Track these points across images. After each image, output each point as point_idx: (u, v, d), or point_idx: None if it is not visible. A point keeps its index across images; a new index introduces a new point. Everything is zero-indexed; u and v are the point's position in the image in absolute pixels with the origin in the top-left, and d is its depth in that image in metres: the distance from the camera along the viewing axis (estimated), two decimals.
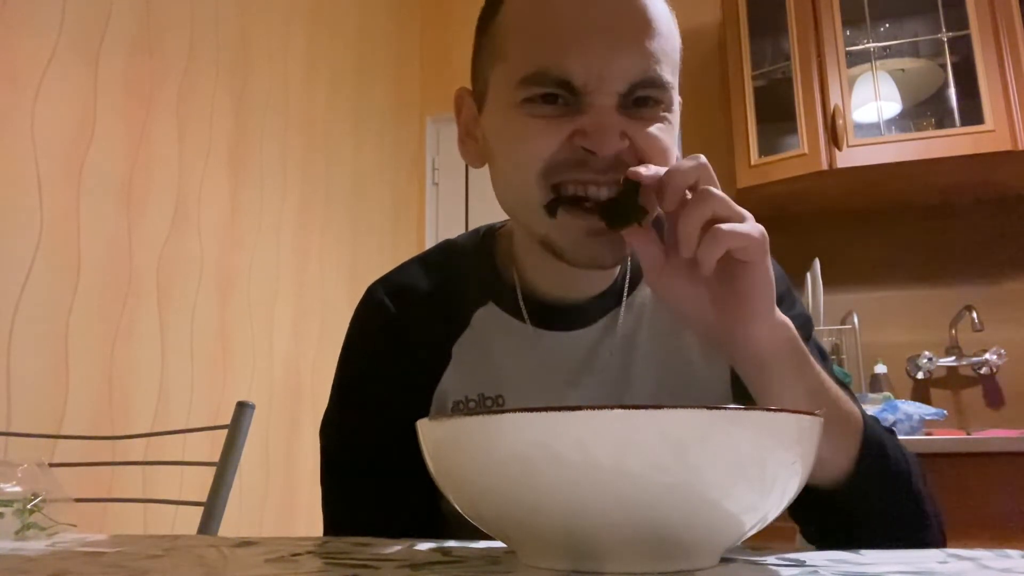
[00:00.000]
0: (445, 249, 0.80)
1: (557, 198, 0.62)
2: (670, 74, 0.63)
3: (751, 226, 0.54)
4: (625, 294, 0.73)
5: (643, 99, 0.61)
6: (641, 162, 0.60)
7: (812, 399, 0.57)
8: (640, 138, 0.60)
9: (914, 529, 0.62)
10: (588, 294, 0.72)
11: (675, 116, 0.64)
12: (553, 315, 0.72)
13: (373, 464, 0.73)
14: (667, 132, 0.63)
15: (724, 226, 0.52)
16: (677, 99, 0.65)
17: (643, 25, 0.61)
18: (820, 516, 0.60)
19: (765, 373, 0.57)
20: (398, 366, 0.73)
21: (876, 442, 0.60)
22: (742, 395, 0.71)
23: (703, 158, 0.55)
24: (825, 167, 2.19)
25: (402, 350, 0.73)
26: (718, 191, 0.54)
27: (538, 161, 0.61)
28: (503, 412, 0.36)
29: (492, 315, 0.73)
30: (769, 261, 0.55)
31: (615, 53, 0.59)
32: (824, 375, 0.59)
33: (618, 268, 0.74)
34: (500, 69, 0.65)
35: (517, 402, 0.71)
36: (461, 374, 0.72)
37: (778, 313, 0.57)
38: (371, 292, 0.78)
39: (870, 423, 0.62)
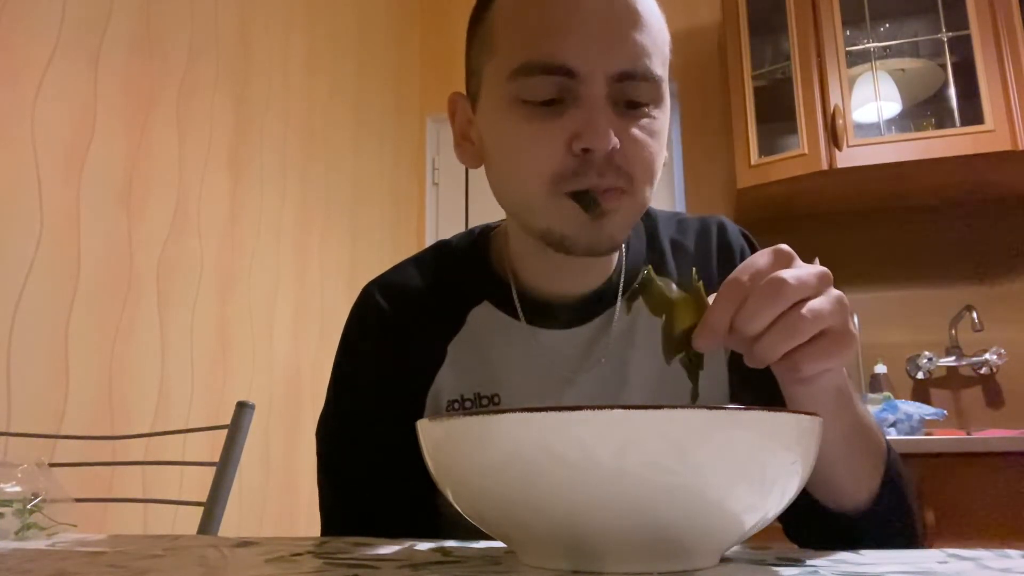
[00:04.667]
0: (439, 249, 0.80)
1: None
2: (660, 68, 0.63)
3: (836, 345, 0.48)
4: (620, 292, 0.73)
5: (633, 101, 0.61)
6: (626, 167, 0.60)
7: (848, 439, 0.57)
8: (627, 143, 0.60)
9: (904, 545, 0.63)
10: (583, 290, 0.72)
11: (664, 111, 0.64)
12: (548, 313, 0.72)
13: (369, 464, 0.73)
14: (654, 132, 0.63)
15: (808, 358, 0.48)
16: (667, 93, 0.65)
17: (633, 17, 0.61)
18: (823, 533, 0.60)
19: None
20: (393, 365, 0.73)
21: (895, 473, 0.61)
22: (739, 397, 0.71)
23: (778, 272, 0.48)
24: (825, 167, 2.19)
25: (397, 349, 0.73)
26: (803, 312, 0.47)
27: (544, 173, 0.61)
28: (503, 412, 0.36)
29: (487, 313, 0.73)
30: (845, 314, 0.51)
31: (605, 38, 0.60)
32: (861, 410, 0.58)
33: (613, 265, 0.74)
34: (492, 63, 0.65)
35: (513, 400, 0.70)
36: (456, 373, 0.72)
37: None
38: (366, 292, 0.78)
39: (893, 453, 0.63)
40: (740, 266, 0.49)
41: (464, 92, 0.72)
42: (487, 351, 0.72)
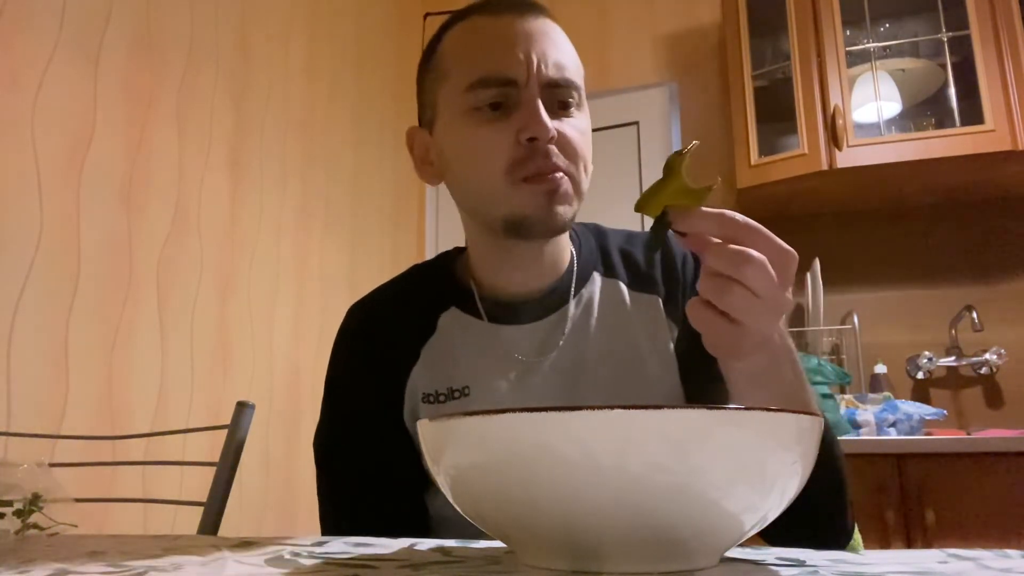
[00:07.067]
0: (413, 270, 0.91)
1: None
2: (578, 80, 0.77)
3: (728, 336, 0.55)
4: (572, 291, 0.82)
5: (563, 102, 0.75)
6: (564, 154, 0.74)
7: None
8: (561, 136, 0.74)
9: (832, 534, 0.70)
10: (538, 287, 0.82)
11: (585, 115, 0.78)
12: (509, 312, 0.81)
13: (361, 461, 0.81)
14: (582, 130, 0.76)
15: (732, 301, 0.54)
16: (585, 103, 0.79)
17: (554, 43, 0.77)
18: None
19: (734, 383, 0.64)
20: (374, 369, 0.82)
21: (830, 449, 0.67)
22: (692, 391, 0.79)
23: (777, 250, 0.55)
24: (825, 167, 2.19)
25: (376, 354, 0.83)
26: (757, 277, 0.54)
27: (499, 163, 0.73)
28: (503, 412, 0.36)
29: (455, 317, 0.82)
30: (777, 323, 0.59)
31: (537, 57, 0.74)
32: (795, 384, 0.65)
33: (565, 265, 0.83)
34: (446, 87, 0.78)
35: (482, 391, 0.78)
36: (429, 370, 0.81)
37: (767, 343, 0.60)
38: (349, 310, 0.88)
39: (830, 434, 0.68)
40: (747, 219, 0.56)
41: (417, 125, 0.85)
42: (456, 349, 0.81)
